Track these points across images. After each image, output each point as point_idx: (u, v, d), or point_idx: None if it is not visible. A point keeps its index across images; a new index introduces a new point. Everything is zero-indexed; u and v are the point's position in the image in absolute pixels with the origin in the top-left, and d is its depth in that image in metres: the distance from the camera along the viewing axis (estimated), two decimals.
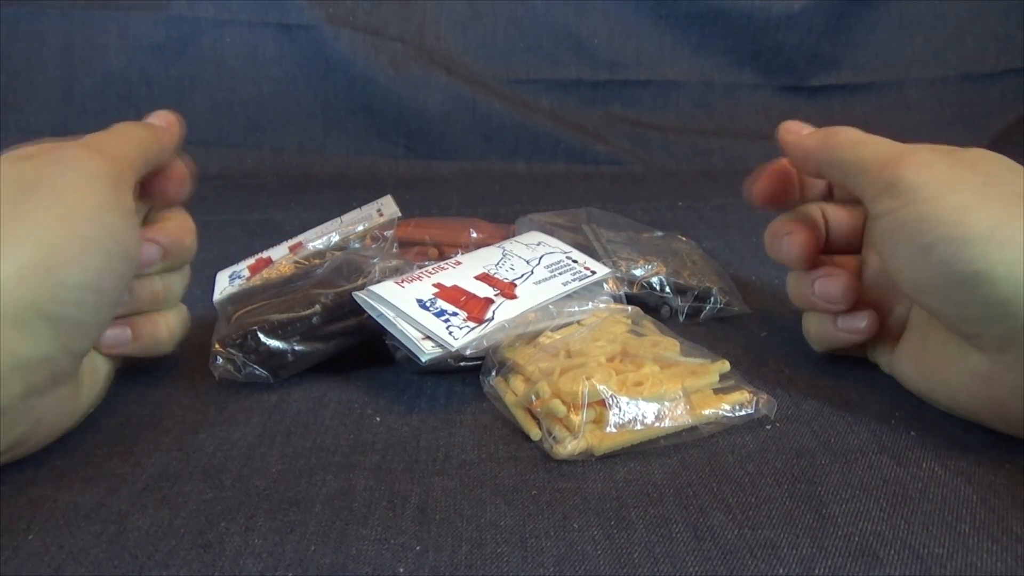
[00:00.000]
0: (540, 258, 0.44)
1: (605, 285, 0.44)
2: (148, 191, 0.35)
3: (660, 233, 0.55)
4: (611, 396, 0.32)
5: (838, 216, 0.38)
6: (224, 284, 0.46)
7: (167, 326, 0.36)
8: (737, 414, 0.33)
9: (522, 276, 0.41)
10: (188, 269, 0.38)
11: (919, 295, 0.31)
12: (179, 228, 0.36)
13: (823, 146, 0.35)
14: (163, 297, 0.36)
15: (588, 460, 0.32)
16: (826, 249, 0.38)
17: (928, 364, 0.34)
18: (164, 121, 0.36)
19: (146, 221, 0.36)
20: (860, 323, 0.36)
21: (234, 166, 0.84)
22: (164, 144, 0.35)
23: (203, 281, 0.50)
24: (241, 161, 0.84)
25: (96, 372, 0.35)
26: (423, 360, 0.35)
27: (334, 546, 0.27)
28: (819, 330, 0.38)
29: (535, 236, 0.48)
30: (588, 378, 0.32)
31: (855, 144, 0.33)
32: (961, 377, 0.32)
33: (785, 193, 0.39)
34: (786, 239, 0.37)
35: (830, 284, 0.36)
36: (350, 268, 0.41)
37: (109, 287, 0.29)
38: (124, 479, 0.31)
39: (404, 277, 0.40)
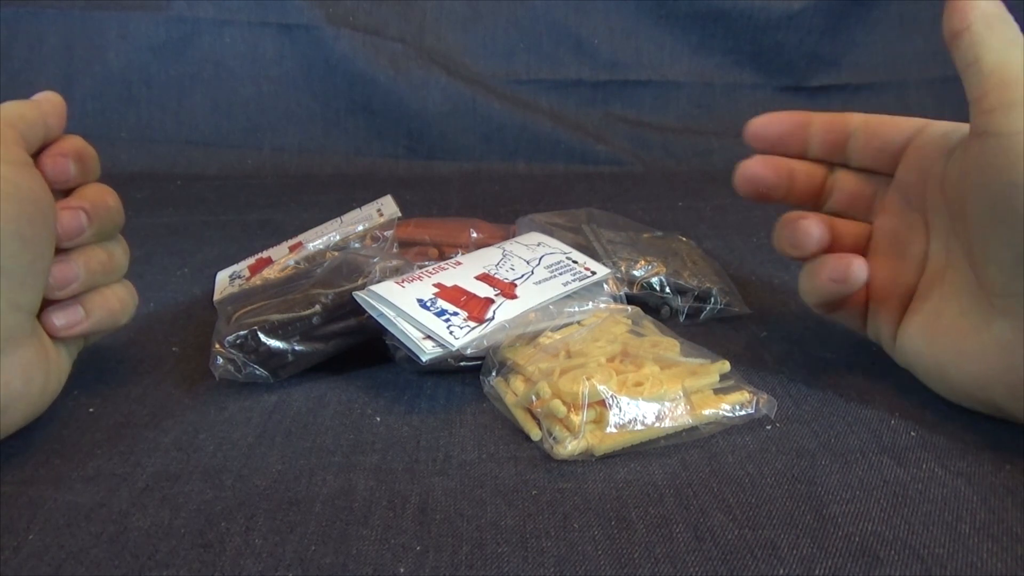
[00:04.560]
0: (540, 258, 0.44)
1: (605, 285, 0.44)
2: (43, 169, 0.34)
3: (660, 233, 0.55)
4: (611, 396, 0.32)
5: (849, 183, 0.38)
6: (224, 284, 0.46)
7: (118, 297, 0.35)
8: (737, 414, 0.33)
9: (522, 276, 0.41)
10: (124, 242, 0.37)
11: (983, 226, 0.30)
12: (98, 192, 0.35)
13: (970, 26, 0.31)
14: (110, 267, 0.35)
15: (588, 460, 0.32)
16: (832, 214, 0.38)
17: (941, 334, 0.33)
18: (44, 98, 0.35)
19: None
20: (847, 270, 0.35)
21: (234, 166, 0.84)
22: (44, 111, 0.34)
23: (203, 281, 0.51)
24: (241, 161, 0.84)
25: (59, 349, 0.34)
26: (423, 360, 0.35)
27: (334, 546, 0.27)
28: (807, 281, 0.37)
29: (535, 236, 0.48)
30: (588, 378, 0.32)
31: (981, 42, 0.30)
32: (980, 347, 0.31)
33: (788, 146, 0.39)
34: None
35: (796, 229, 0.36)
36: (350, 268, 0.41)
37: (29, 233, 0.29)
38: (124, 479, 0.31)
39: (404, 277, 0.40)
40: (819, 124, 0.38)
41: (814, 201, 0.40)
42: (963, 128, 0.32)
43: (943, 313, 0.33)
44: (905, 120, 0.36)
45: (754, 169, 0.39)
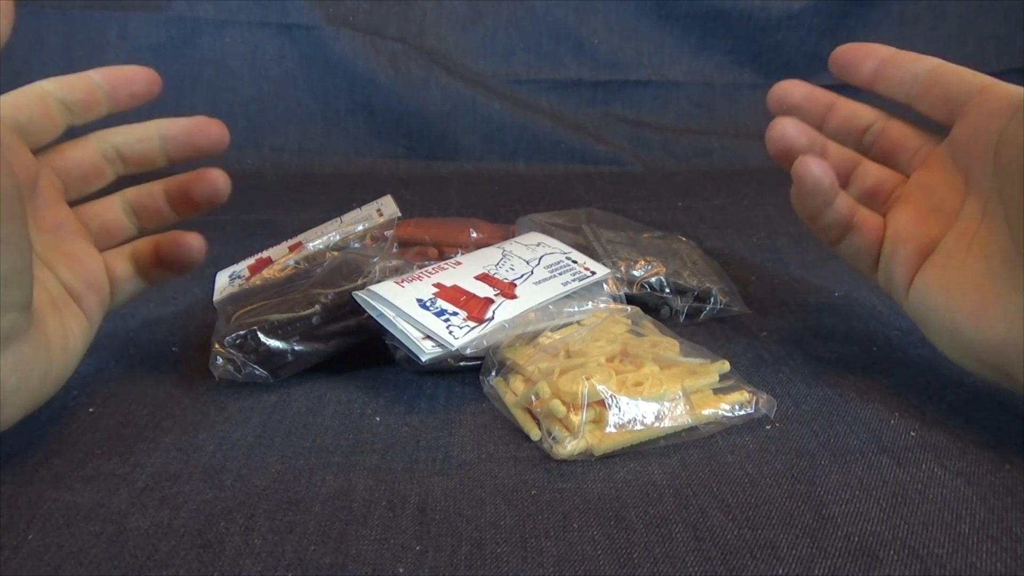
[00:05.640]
0: (540, 258, 0.44)
1: (605, 285, 0.44)
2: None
3: (660, 233, 0.55)
4: (611, 396, 0.32)
5: (897, 131, 0.38)
6: (224, 284, 0.46)
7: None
8: (737, 414, 0.34)
9: (522, 276, 0.41)
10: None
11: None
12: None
13: None
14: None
15: (588, 460, 0.32)
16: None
17: (962, 293, 0.32)
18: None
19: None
20: (798, 162, 0.35)
21: (234, 166, 0.83)
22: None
23: (203, 281, 0.51)
24: (241, 161, 0.84)
25: (67, 332, 0.33)
26: (423, 360, 0.35)
27: (334, 546, 0.27)
28: (791, 195, 0.37)
29: (535, 237, 0.48)
30: (588, 378, 0.32)
31: None
32: (1004, 312, 0.30)
33: (858, 70, 0.38)
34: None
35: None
36: (350, 268, 0.41)
37: (7, 232, 0.27)
38: (124, 479, 0.31)
39: (404, 277, 0.40)
40: (886, 55, 0.38)
41: (855, 141, 0.39)
42: None
43: (967, 272, 0.32)
44: (972, 74, 0.35)
45: (788, 100, 0.40)
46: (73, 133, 0.36)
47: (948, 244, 0.34)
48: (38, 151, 0.34)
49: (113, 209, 0.38)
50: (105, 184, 0.37)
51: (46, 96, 0.34)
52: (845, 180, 0.39)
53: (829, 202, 0.36)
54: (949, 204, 0.34)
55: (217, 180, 0.38)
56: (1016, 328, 0.30)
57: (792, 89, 0.40)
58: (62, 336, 0.33)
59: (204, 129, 0.38)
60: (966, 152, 0.34)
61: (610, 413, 0.32)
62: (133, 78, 0.36)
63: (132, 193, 0.38)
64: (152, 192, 0.38)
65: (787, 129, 0.37)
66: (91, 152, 0.37)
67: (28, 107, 0.34)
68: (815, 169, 0.35)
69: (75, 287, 0.34)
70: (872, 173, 0.38)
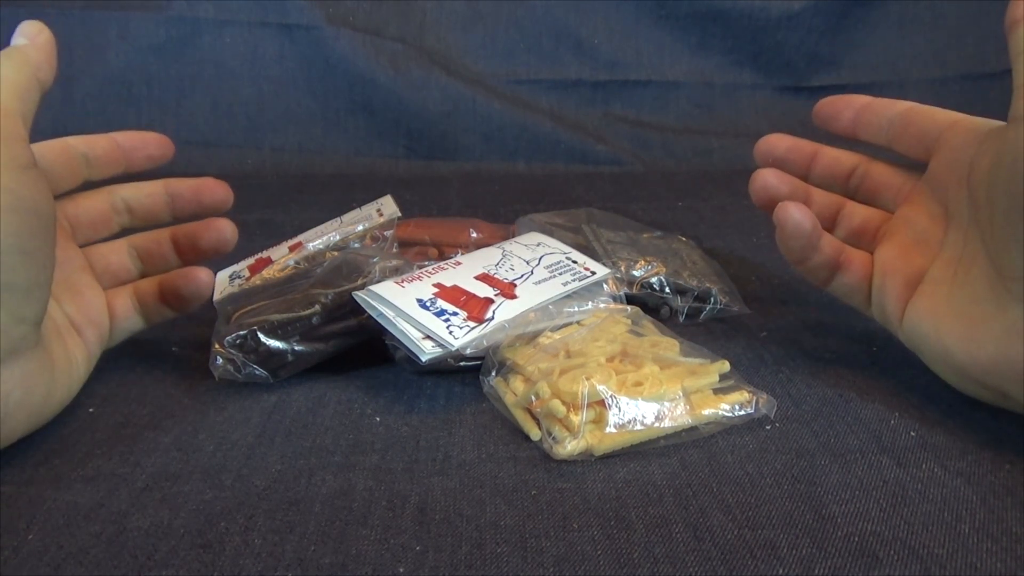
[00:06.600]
0: (540, 258, 0.44)
1: (605, 285, 0.44)
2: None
3: (660, 233, 0.55)
4: (611, 396, 0.32)
5: (879, 172, 0.39)
6: (224, 284, 0.46)
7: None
8: (737, 414, 0.34)
9: (522, 276, 0.41)
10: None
11: (1010, 209, 0.30)
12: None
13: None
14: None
15: (588, 460, 0.32)
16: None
17: (951, 319, 0.33)
18: (28, 36, 0.32)
19: None
20: (778, 209, 0.37)
21: (234, 166, 0.84)
22: (38, 63, 0.31)
23: None
24: (241, 161, 0.84)
25: (70, 358, 0.34)
26: (423, 360, 0.35)
27: (334, 546, 0.27)
28: (777, 238, 0.38)
29: (535, 237, 0.48)
30: (588, 378, 0.32)
31: None
32: (992, 334, 0.31)
33: (838, 122, 0.40)
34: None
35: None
36: (350, 268, 0.41)
37: (31, 246, 0.29)
38: (124, 479, 0.31)
39: (404, 277, 0.40)
40: (862, 104, 0.39)
41: (841, 186, 0.41)
42: (994, 123, 0.33)
43: (954, 298, 0.33)
44: (942, 112, 0.36)
45: (767, 170, 0.41)
46: (87, 187, 0.38)
47: (934, 273, 0.35)
48: (55, 198, 0.35)
49: (118, 252, 0.40)
50: (110, 234, 0.40)
51: (70, 149, 0.36)
52: (831, 223, 0.40)
53: (814, 244, 0.37)
54: (932, 235, 0.35)
55: (224, 229, 0.40)
56: (1004, 347, 0.30)
57: (777, 142, 0.41)
58: (65, 361, 0.34)
59: (210, 189, 0.41)
60: (943, 185, 0.35)
61: (610, 413, 0.32)
62: (150, 141, 0.39)
63: (139, 239, 0.40)
64: (158, 238, 0.40)
65: (768, 179, 0.39)
66: (101, 202, 0.39)
67: (52, 156, 0.35)
68: (795, 213, 0.36)
69: (77, 320, 0.36)
70: (858, 213, 0.40)
